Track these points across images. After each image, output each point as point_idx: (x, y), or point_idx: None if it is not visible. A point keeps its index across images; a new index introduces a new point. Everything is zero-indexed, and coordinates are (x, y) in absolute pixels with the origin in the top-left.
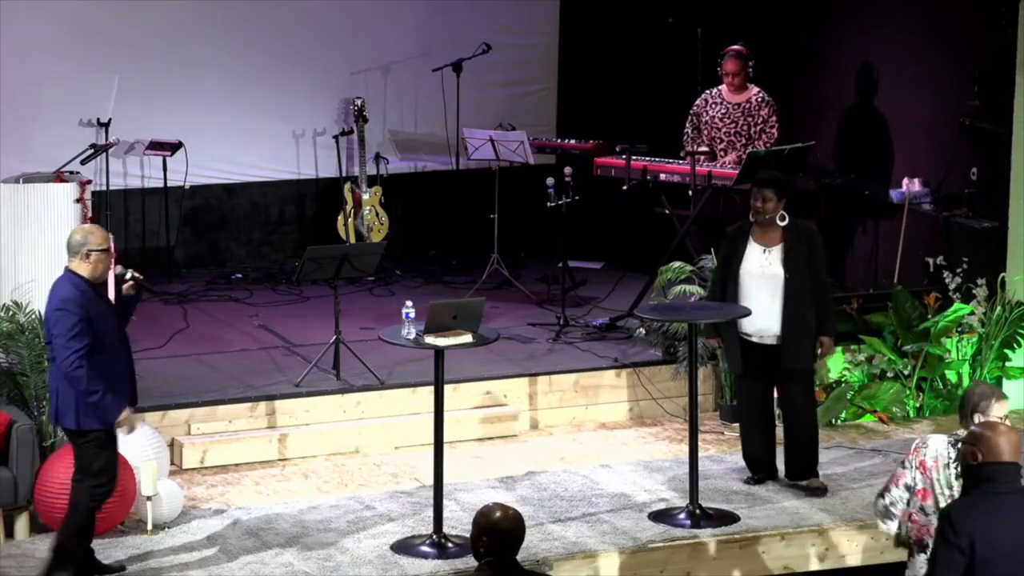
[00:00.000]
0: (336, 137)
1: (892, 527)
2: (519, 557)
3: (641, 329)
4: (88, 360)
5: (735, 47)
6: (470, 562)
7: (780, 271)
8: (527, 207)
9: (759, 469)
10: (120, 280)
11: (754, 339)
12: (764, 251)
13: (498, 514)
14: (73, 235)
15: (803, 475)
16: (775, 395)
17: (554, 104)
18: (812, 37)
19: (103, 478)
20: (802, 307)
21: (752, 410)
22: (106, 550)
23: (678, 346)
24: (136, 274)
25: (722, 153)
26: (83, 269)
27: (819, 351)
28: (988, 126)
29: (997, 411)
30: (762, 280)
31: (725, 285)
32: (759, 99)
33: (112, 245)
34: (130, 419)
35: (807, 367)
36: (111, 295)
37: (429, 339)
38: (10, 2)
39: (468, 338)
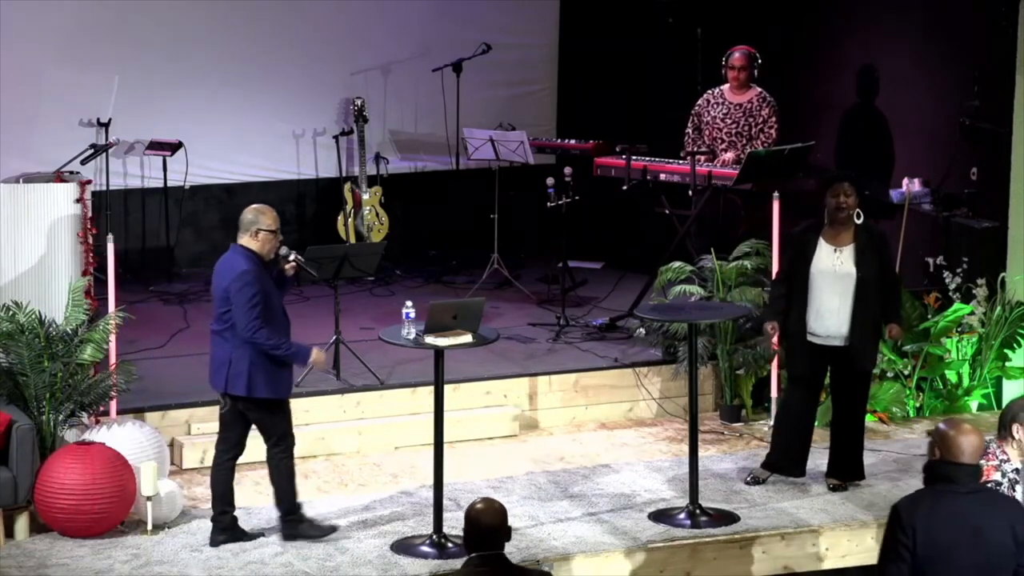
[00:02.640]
0: (336, 137)
1: None
2: (520, 556)
3: (641, 329)
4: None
5: (743, 46)
6: None
7: (853, 270)
8: (527, 207)
9: (775, 470)
10: (283, 259)
11: (819, 340)
12: (836, 251)
13: (477, 506)
14: (245, 213)
15: (852, 476)
16: (821, 397)
17: (554, 104)
18: (812, 37)
19: (290, 440)
20: (872, 308)
21: (795, 414)
22: (106, 550)
23: (678, 346)
24: (298, 256)
25: (722, 153)
26: (253, 245)
27: (888, 334)
28: (988, 126)
29: None
30: (834, 280)
31: (790, 285)
32: (760, 99)
33: (277, 227)
34: (321, 357)
35: (869, 369)
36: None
37: (429, 339)
38: (10, 2)
39: (468, 338)
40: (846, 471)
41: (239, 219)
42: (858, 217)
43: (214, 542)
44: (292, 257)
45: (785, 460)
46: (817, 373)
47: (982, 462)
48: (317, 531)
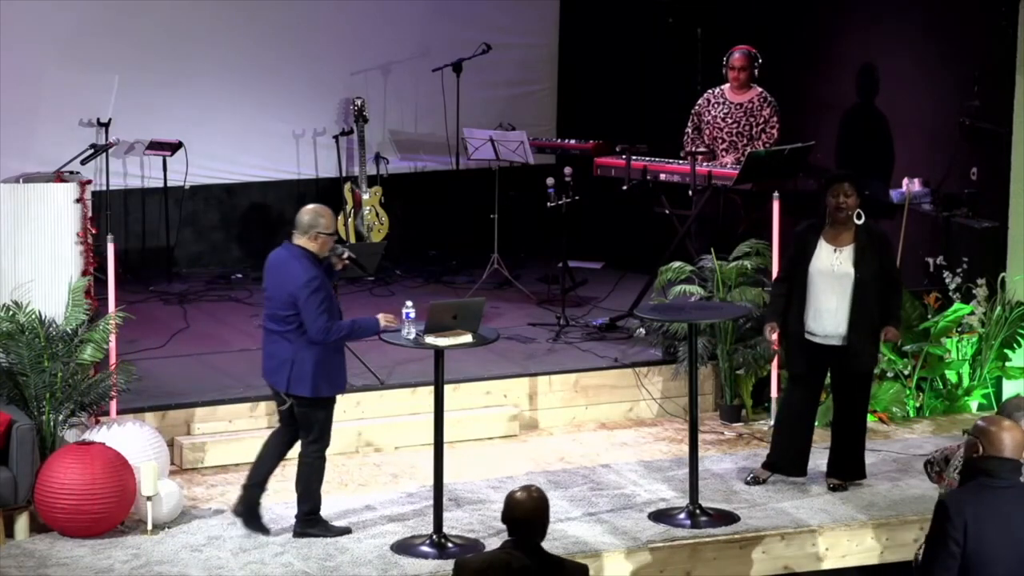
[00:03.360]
0: (336, 137)
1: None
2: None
3: (641, 329)
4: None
5: (743, 46)
6: None
7: (851, 271)
8: (527, 207)
9: (775, 470)
10: (335, 256)
11: (818, 339)
12: (835, 251)
13: (517, 495)
14: (303, 214)
15: (853, 476)
16: (821, 397)
17: (554, 104)
18: (812, 37)
19: (327, 439)
20: (870, 309)
21: (795, 414)
22: (106, 550)
23: (678, 346)
24: (351, 254)
25: (723, 153)
26: (311, 246)
27: (886, 336)
28: (988, 126)
29: None
30: (832, 280)
31: (790, 285)
32: (761, 99)
33: (334, 228)
34: (389, 316)
35: (868, 369)
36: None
37: (429, 339)
38: (10, 2)
39: (468, 338)
40: (846, 471)
41: (296, 219)
42: (858, 217)
43: (235, 510)
44: (344, 255)
45: (785, 460)
46: (817, 373)
47: None
48: (331, 532)
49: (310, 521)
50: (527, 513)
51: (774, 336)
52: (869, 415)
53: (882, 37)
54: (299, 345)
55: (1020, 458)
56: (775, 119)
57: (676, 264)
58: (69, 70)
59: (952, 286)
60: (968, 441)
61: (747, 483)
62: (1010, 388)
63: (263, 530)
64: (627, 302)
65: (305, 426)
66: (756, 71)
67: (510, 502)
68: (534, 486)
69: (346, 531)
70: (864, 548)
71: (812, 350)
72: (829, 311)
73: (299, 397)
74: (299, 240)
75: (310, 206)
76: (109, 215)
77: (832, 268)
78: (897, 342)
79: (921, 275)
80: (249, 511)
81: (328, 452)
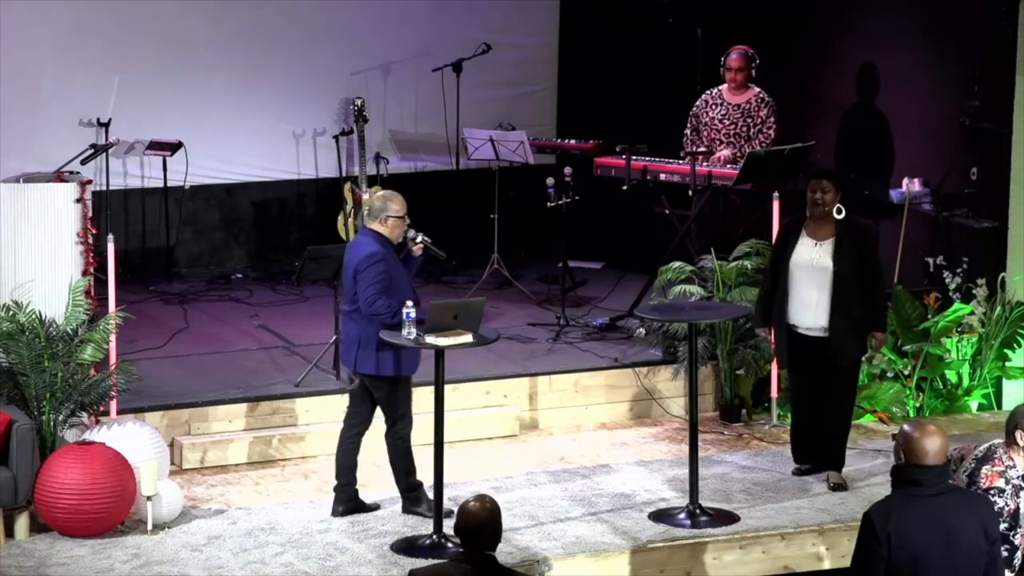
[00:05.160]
0: (336, 137)
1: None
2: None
3: (641, 329)
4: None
5: (741, 46)
6: None
7: (829, 264)
8: (527, 207)
9: (805, 459)
10: (411, 241)
11: (801, 331)
12: (815, 244)
13: (469, 504)
14: (374, 200)
15: (831, 465)
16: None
17: (554, 104)
18: (812, 37)
19: (404, 421)
20: (849, 302)
21: (800, 401)
22: (106, 550)
23: (678, 346)
24: (425, 238)
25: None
26: (383, 230)
27: (871, 345)
28: (988, 126)
29: None
30: (811, 273)
31: (776, 277)
32: (759, 99)
33: (404, 213)
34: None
35: (851, 362)
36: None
37: (429, 339)
38: (10, 2)
39: (468, 338)
40: (826, 460)
41: (368, 206)
42: (838, 212)
43: (334, 512)
44: (419, 239)
45: (803, 450)
46: (809, 361)
47: (986, 468)
48: (428, 507)
49: (410, 499)
50: (478, 523)
51: (765, 334)
52: (868, 415)
53: (882, 37)
54: (364, 324)
55: (944, 459)
56: (772, 119)
57: (676, 264)
58: (69, 70)
59: (952, 286)
60: (894, 446)
61: (794, 474)
62: (1010, 388)
63: (373, 508)
64: (627, 302)
65: (382, 407)
66: (754, 71)
67: (462, 512)
68: (488, 496)
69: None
70: None
71: (800, 341)
72: (810, 304)
73: (368, 376)
74: (371, 224)
75: (380, 192)
76: (109, 215)
77: (811, 261)
78: (899, 343)
79: (921, 275)
80: (350, 506)
81: (328, 452)
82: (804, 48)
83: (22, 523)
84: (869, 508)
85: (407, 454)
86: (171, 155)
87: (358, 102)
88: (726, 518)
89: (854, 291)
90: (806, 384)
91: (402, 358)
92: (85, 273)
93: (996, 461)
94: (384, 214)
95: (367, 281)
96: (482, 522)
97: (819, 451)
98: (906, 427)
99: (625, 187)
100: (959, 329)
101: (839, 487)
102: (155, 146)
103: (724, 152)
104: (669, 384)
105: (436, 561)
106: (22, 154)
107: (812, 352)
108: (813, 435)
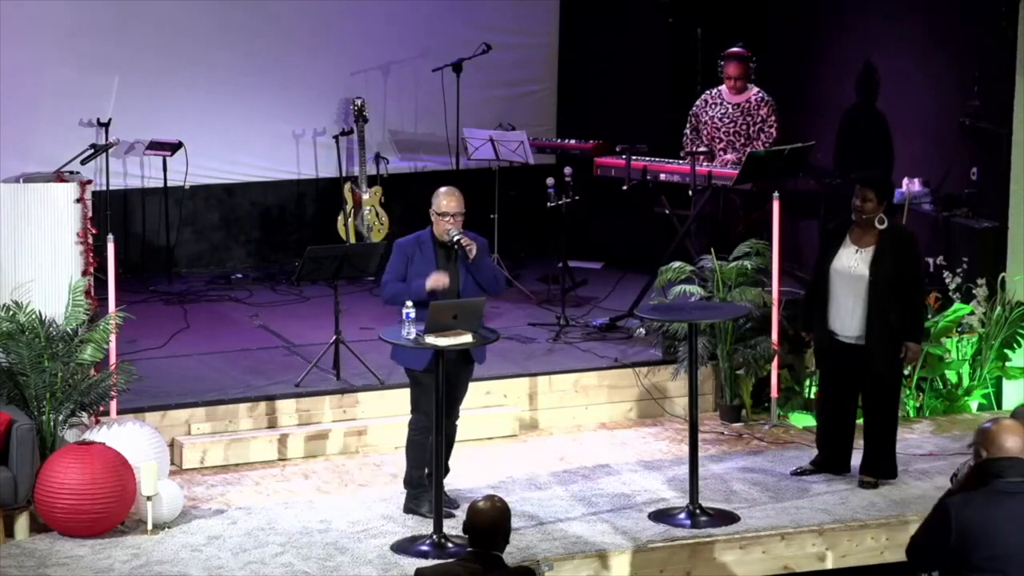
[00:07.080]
0: (336, 137)
1: None
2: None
3: (641, 329)
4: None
5: (735, 49)
6: None
7: (865, 273)
8: (527, 207)
9: (822, 469)
10: (452, 241)
11: (840, 338)
12: (856, 251)
13: (479, 504)
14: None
15: (883, 474)
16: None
17: (554, 104)
18: (812, 37)
19: (417, 415)
20: (884, 311)
21: (827, 402)
22: (106, 550)
23: (678, 346)
24: (462, 240)
25: (721, 153)
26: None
27: (905, 356)
28: (988, 126)
29: None
30: (848, 280)
31: (818, 281)
32: (758, 99)
33: (459, 211)
34: (440, 280)
35: (889, 370)
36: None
37: (429, 339)
38: (10, 1)
39: (468, 338)
40: (876, 469)
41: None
42: (880, 222)
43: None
44: (455, 239)
45: (825, 457)
46: (844, 370)
47: None
48: (429, 508)
49: (410, 496)
50: (488, 523)
51: (808, 338)
52: None
53: (882, 37)
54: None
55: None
56: (773, 118)
57: (676, 264)
58: (69, 70)
59: (952, 286)
60: (974, 448)
61: (792, 475)
62: (1010, 388)
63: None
64: (627, 302)
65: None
66: (752, 73)
67: (472, 511)
68: (497, 496)
69: (455, 505)
70: (864, 548)
71: (838, 348)
72: (847, 311)
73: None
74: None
75: (442, 188)
76: (109, 215)
77: (850, 268)
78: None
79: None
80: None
81: (328, 452)
82: (804, 48)
83: (22, 523)
84: (947, 499)
85: (412, 447)
86: (171, 155)
87: (358, 102)
88: (726, 518)
89: (891, 301)
90: (836, 389)
91: (408, 351)
92: (85, 273)
93: None
94: (431, 209)
95: (386, 269)
96: (491, 521)
97: (842, 451)
98: (984, 424)
99: (625, 187)
100: (959, 329)
101: (869, 484)
102: (155, 146)
103: (729, 156)
104: (669, 384)
105: (442, 560)
106: (22, 154)
107: (849, 359)
108: (834, 440)
